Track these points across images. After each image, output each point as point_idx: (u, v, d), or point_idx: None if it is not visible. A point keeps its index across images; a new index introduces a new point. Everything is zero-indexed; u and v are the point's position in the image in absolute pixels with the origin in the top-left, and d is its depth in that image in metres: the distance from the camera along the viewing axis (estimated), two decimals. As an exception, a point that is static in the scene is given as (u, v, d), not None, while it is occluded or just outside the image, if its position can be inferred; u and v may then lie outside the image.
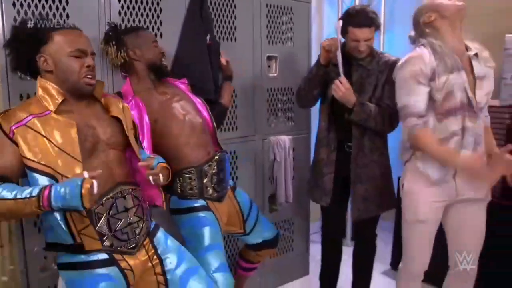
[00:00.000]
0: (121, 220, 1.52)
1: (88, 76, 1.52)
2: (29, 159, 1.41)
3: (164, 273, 1.62)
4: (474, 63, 1.87)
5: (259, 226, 2.24)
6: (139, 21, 2.13)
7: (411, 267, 2.06)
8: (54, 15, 1.88)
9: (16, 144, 1.41)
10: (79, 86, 1.52)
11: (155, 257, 1.63)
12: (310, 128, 2.95)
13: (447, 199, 1.95)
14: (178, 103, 2.03)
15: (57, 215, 1.42)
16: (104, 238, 1.49)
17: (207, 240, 1.92)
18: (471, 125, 1.85)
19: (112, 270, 1.50)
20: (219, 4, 2.43)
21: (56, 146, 1.43)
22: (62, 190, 1.32)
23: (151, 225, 1.69)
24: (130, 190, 1.57)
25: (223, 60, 2.34)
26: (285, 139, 2.72)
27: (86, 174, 1.35)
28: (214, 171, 2.02)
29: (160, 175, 1.63)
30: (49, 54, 1.49)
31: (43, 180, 1.41)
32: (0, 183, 1.38)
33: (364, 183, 2.27)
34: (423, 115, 1.86)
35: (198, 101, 2.11)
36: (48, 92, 1.49)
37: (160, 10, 2.19)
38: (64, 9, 1.90)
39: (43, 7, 1.85)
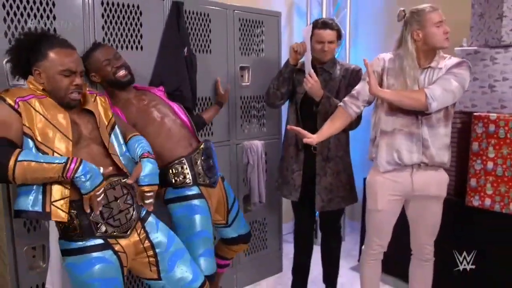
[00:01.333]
0: (112, 208, 1.66)
1: (74, 93, 1.68)
2: (27, 127, 1.56)
3: (155, 255, 1.77)
4: (420, 76, 2.07)
5: (237, 220, 2.38)
6: (121, 35, 2.28)
7: (370, 248, 2.31)
8: (42, 29, 2.02)
9: (20, 114, 1.56)
10: (66, 100, 1.67)
11: (146, 240, 1.76)
12: (281, 133, 3.11)
13: (403, 194, 2.18)
14: (155, 107, 2.17)
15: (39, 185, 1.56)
16: (98, 226, 1.63)
17: (198, 227, 2.06)
18: (417, 131, 2.07)
19: (106, 253, 1.64)
20: (195, 19, 2.58)
21: (51, 123, 1.60)
22: (88, 168, 1.54)
23: (142, 210, 1.81)
24: (118, 181, 1.70)
25: (222, 89, 2.57)
26: (258, 144, 2.89)
27: (101, 169, 1.59)
28: (203, 157, 2.16)
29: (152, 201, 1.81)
30: (43, 70, 1.65)
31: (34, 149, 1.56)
32: (18, 150, 1.51)
33: (328, 176, 2.47)
34: (356, 97, 2.19)
35: (175, 105, 2.25)
36: (35, 86, 1.67)
37: (141, 25, 2.34)
38: (51, 24, 2.04)
39: (32, 21, 1.99)
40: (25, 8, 1.97)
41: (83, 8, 2.14)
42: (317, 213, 2.63)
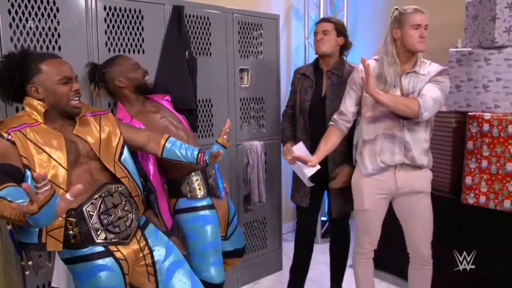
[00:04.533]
0: (111, 215, 1.67)
1: (75, 99, 1.70)
2: (24, 157, 1.56)
3: (153, 263, 1.77)
4: (404, 80, 2.12)
5: (235, 234, 2.41)
6: (123, 39, 2.33)
7: (361, 247, 2.35)
8: (46, 34, 2.07)
9: (14, 144, 1.55)
10: (68, 109, 1.69)
11: (146, 248, 1.77)
12: (280, 134, 3.15)
13: (389, 192, 2.24)
14: (168, 119, 2.20)
15: None
16: (98, 233, 1.64)
17: (210, 237, 2.12)
18: (399, 134, 2.13)
19: (108, 261, 1.65)
20: (195, 22, 2.63)
21: (45, 152, 1.59)
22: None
23: (141, 218, 1.84)
24: (116, 188, 1.72)
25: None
26: (258, 144, 2.93)
27: (68, 196, 1.31)
28: (213, 171, 2.22)
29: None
30: (40, 84, 1.64)
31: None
32: (7, 185, 1.40)
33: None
34: (345, 113, 2.25)
35: (181, 117, 2.29)
36: (33, 107, 1.65)
37: (142, 29, 2.39)
38: (55, 29, 2.09)
39: (37, 27, 2.04)
40: (30, 13, 2.02)
41: (86, 13, 2.19)
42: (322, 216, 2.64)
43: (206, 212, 2.15)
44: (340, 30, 2.45)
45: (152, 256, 1.78)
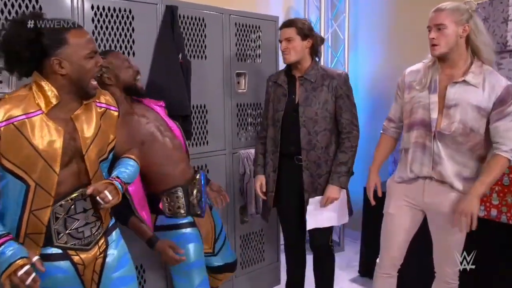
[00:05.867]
0: (78, 220, 1.57)
1: (94, 80, 1.55)
2: (6, 159, 1.42)
3: (101, 271, 1.65)
4: (450, 90, 1.91)
5: (224, 249, 2.30)
6: (112, 40, 2.19)
7: (381, 259, 2.23)
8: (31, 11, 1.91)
9: None
10: (88, 89, 1.54)
11: (102, 254, 1.66)
12: (279, 141, 3.03)
13: (415, 203, 2.09)
14: (157, 126, 2.05)
15: (17, 216, 1.47)
16: (59, 236, 1.54)
17: (192, 257, 2.00)
18: (429, 144, 1.97)
19: (64, 264, 1.55)
20: (189, 24, 2.50)
21: (37, 152, 1.44)
22: (5, 252, 1.38)
23: (110, 222, 1.72)
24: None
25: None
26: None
27: (35, 259, 1.41)
28: (197, 188, 2.08)
29: (107, 192, 1.53)
30: (65, 57, 1.46)
31: (15, 183, 1.45)
32: None
33: (319, 193, 2.34)
34: (393, 120, 2.19)
35: (174, 126, 2.14)
36: (42, 91, 1.47)
37: (133, 30, 2.26)
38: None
39: (15, 9, 1.90)
40: (9, 12, 1.89)
41: (71, 12, 2.06)
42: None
43: (188, 230, 2.03)
44: (305, 32, 2.29)
45: (104, 263, 1.66)
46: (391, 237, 2.17)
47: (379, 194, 2.22)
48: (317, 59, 2.39)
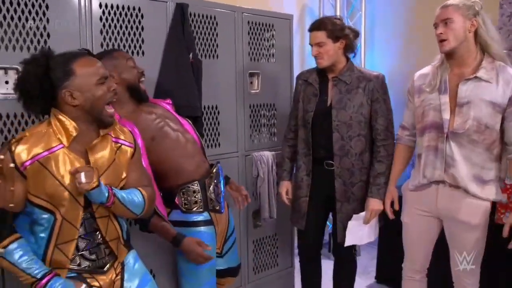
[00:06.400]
0: (89, 240, 1.55)
1: (110, 104, 1.54)
2: (34, 196, 1.44)
3: None
4: (462, 87, 1.85)
5: (231, 252, 2.22)
6: (121, 39, 2.13)
7: (404, 263, 2.18)
8: (34, 34, 1.88)
9: (25, 177, 1.42)
10: (102, 116, 1.52)
11: (119, 275, 1.63)
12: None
13: (430, 211, 2.01)
14: (166, 121, 2.00)
15: (41, 250, 1.50)
16: (72, 258, 1.52)
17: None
18: (441, 146, 1.89)
19: None
20: (200, 22, 2.44)
21: (63, 185, 1.45)
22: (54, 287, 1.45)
23: (128, 250, 1.69)
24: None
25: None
26: (268, 155, 2.73)
27: (82, 287, 1.49)
28: (214, 182, 2.03)
29: (82, 173, 1.44)
30: (75, 88, 1.47)
31: (43, 216, 1.47)
32: (15, 238, 1.46)
33: (352, 203, 2.26)
34: (406, 127, 2.13)
35: (184, 121, 2.10)
36: (63, 125, 1.48)
37: (142, 29, 2.20)
38: (44, 28, 1.90)
39: (23, 26, 1.85)
40: (15, 10, 1.84)
41: (79, 10, 2.00)
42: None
43: (201, 228, 1.96)
44: (337, 34, 2.18)
45: (122, 285, 1.63)
46: (409, 245, 2.13)
47: (396, 207, 2.16)
48: (352, 56, 2.30)
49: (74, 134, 1.49)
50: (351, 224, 2.21)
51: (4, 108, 1.84)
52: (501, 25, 2.48)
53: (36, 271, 1.45)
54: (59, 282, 1.46)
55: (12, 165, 1.40)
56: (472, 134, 1.84)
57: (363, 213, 2.22)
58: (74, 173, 1.44)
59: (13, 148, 1.42)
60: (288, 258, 3.08)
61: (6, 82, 1.86)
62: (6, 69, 1.84)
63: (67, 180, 1.46)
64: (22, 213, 1.49)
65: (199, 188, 1.98)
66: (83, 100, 1.48)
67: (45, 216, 1.46)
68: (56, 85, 1.46)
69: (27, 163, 1.42)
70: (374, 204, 2.19)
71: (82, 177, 1.43)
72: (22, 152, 1.42)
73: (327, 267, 2.59)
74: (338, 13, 3.66)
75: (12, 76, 1.85)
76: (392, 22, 3.70)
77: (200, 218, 1.97)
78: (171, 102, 2.14)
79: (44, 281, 1.44)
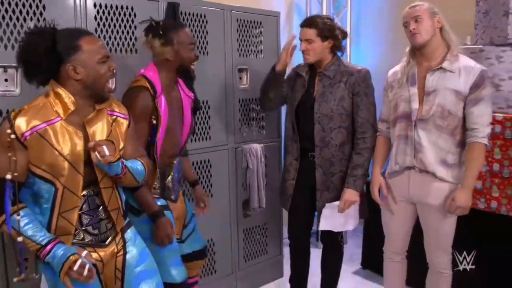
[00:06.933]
0: (92, 216, 1.62)
1: (110, 81, 1.61)
2: (35, 166, 1.49)
3: (123, 268, 1.70)
4: (429, 77, 2.01)
5: (193, 236, 2.26)
6: (115, 38, 2.21)
7: (386, 245, 2.34)
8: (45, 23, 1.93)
9: (25, 147, 1.48)
10: (103, 93, 1.59)
11: (121, 251, 1.70)
12: (281, 136, 3.04)
13: (404, 197, 2.15)
14: (176, 113, 2.05)
15: (46, 219, 1.55)
16: (76, 233, 1.59)
17: None
18: (410, 133, 2.05)
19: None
20: (191, 20, 2.52)
21: (63, 156, 1.51)
22: (57, 253, 1.50)
23: (124, 221, 1.75)
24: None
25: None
26: (257, 147, 2.82)
27: (84, 253, 1.54)
28: (173, 172, 2.09)
29: (105, 147, 1.52)
30: (80, 63, 1.52)
31: (45, 186, 1.52)
32: (21, 207, 1.51)
33: (332, 192, 2.34)
34: (385, 120, 2.22)
35: (188, 121, 2.13)
36: (60, 98, 1.53)
37: (135, 27, 2.27)
38: (40, 16, 1.96)
39: (22, 26, 1.93)
40: (13, 11, 1.91)
41: (74, 10, 2.08)
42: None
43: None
44: (326, 34, 2.27)
45: (124, 260, 1.70)
46: (388, 229, 2.29)
47: (385, 193, 2.26)
48: (339, 54, 2.38)
49: (72, 108, 1.53)
50: (325, 211, 2.31)
51: (4, 105, 1.92)
52: (477, 21, 2.60)
53: (41, 238, 1.50)
54: (62, 248, 1.51)
55: (13, 136, 1.45)
56: (436, 120, 1.99)
57: (336, 202, 2.30)
58: (95, 147, 1.50)
59: (13, 120, 1.47)
60: (277, 246, 3.18)
61: (6, 80, 1.94)
62: (5, 68, 1.92)
63: (66, 150, 1.51)
64: (25, 186, 1.54)
65: (159, 176, 2.03)
66: (85, 75, 1.53)
67: (46, 187, 1.51)
68: (62, 58, 1.51)
69: (27, 134, 1.46)
70: (349, 194, 2.27)
71: (106, 150, 1.51)
72: (21, 123, 1.47)
73: (316, 255, 2.68)
74: (324, 10, 3.75)
75: (12, 74, 1.93)
76: (377, 18, 3.79)
77: (158, 203, 2.02)
78: (192, 97, 2.18)
79: (48, 247, 1.50)
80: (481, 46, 2.52)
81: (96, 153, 1.51)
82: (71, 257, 1.49)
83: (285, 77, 2.50)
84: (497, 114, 2.36)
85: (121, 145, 1.70)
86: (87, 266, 1.49)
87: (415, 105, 2.03)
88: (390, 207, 2.22)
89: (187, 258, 2.24)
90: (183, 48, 1.97)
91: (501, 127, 2.33)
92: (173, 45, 1.94)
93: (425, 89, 2.01)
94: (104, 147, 1.51)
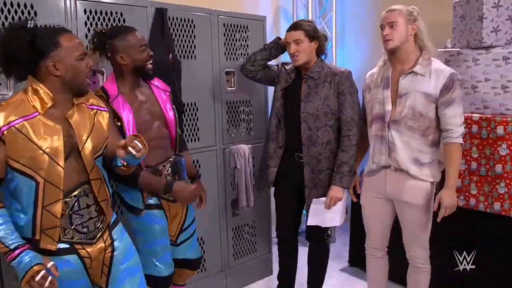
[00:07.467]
0: (82, 215, 1.65)
1: (88, 77, 1.65)
2: (13, 160, 1.51)
3: (110, 264, 1.74)
4: (402, 80, 2.10)
5: (188, 243, 2.26)
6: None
7: (367, 242, 2.42)
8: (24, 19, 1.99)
9: (4, 142, 1.50)
10: (82, 87, 1.64)
11: (110, 248, 1.74)
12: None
13: (380, 194, 2.24)
14: (150, 108, 2.09)
15: (30, 214, 1.56)
16: (66, 231, 1.62)
17: (156, 235, 2.07)
18: (385, 134, 2.14)
19: (72, 257, 1.64)
20: (179, 25, 2.59)
21: (42, 150, 1.53)
22: (23, 260, 1.49)
23: (112, 218, 1.80)
24: (91, 188, 1.68)
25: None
26: (245, 148, 2.90)
27: (49, 264, 1.51)
28: (168, 172, 2.12)
29: (137, 141, 1.58)
30: (59, 59, 1.55)
31: (25, 182, 1.54)
32: None
33: (319, 189, 2.41)
34: (363, 119, 2.33)
35: (171, 115, 2.16)
36: (38, 94, 1.56)
37: (124, 32, 2.34)
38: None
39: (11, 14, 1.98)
40: (6, 17, 1.97)
41: (65, 16, 2.14)
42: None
43: (153, 211, 2.08)
44: (312, 34, 2.36)
45: (112, 257, 1.75)
46: (368, 226, 2.37)
47: (358, 191, 2.39)
48: (323, 57, 2.46)
49: (50, 104, 1.56)
50: (312, 207, 2.39)
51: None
52: (454, 25, 2.69)
53: (10, 242, 1.50)
54: (29, 255, 1.50)
55: None
56: (408, 121, 2.08)
57: (323, 199, 2.37)
58: (128, 143, 1.54)
59: None
60: (266, 245, 3.25)
61: (-1, 84, 2.00)
62: (-2, 72, 1.98)
63: (45, 144, 1.53)
64: (4, 183, 1.56)
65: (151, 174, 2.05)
66: (65, 72, 1.56)
67: (26, 182, 1.53)
68: (42, 54, 1.53)
69: (4, 129, 1.49)
70: (335, 191, 2.34)
71: (139, 144, 1.57)
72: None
73: (305, 253, 2.71)
74: (310, 13, 3.83)
75: (4, 78, 1.96)
76: (361, 21, 3.88)
77: (150, 201, 2.07)
78: (169, 91, 2.22)
79: (16, 252, 1.49)
80: (458, 49, 2.62)
81: (130, 148, 1.55)
82: (35, 266, 1.48)
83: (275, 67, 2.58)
84: (474, 115, 2.46)
85: (106, 135, 1.75)
86: (49, 279, 1.48)
87: (388, 107, 2.12)
88: (364, 203, 2.33)
89: (178, 264, 2.25)
90: (134, 51, 1.99)
91: (478, 127, 2.43)
92: (118, 52, 1.98)
93: (398, 92, 2.10)
94: (136, 141, 1.57)
